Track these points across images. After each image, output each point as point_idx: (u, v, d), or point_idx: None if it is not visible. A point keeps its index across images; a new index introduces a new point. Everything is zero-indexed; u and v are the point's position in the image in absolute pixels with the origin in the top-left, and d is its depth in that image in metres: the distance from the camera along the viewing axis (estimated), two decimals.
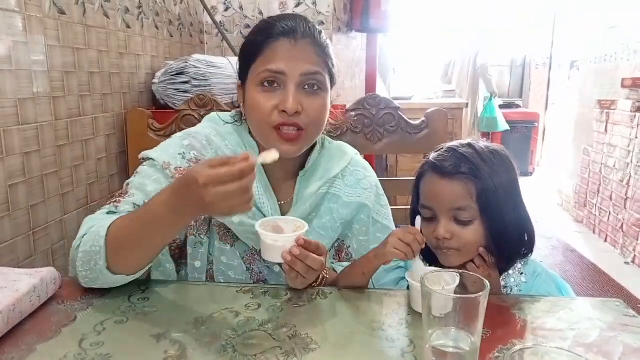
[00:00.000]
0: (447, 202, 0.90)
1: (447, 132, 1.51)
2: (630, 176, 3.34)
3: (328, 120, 1.41)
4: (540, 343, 0.73)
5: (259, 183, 1.00)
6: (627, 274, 3.11)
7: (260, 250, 0.90)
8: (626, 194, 3.39)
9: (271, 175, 1.03)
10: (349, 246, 1.09)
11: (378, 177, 1.16)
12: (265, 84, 0.94)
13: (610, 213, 3.62)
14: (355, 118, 1.48)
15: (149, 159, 0.99)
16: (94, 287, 0.87)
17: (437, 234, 0.90)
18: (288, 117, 0.92)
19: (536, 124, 6.06)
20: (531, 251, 0.94)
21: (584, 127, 4.27)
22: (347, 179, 1.07)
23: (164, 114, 1.62)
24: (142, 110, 1.50)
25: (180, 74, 1.75)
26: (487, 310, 0.64)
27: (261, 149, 1.00)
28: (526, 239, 0.93)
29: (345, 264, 1.08)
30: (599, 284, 2.99)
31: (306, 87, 0.94)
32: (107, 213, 0.93)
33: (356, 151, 1.15)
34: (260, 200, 1.00)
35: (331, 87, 1.00)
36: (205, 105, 1.45)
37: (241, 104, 1.02)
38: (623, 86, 3.46)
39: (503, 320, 0.80)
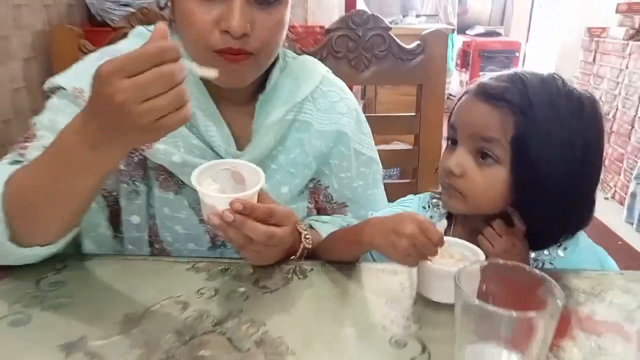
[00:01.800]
0: (471, 126, 0.69)
1: (445, 59, 1.27)
2: (616, 109, 3.20)
3: (300, 47, 1.14)
4: (595, 345, 0.54)
5: (203, 112, 0.77)
6: (606, 210, 3.04)
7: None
8: (611, 128, 3.26)
9: (220, 101, 0.80)
10: (328, 186, 0.89)
11: None
12: None
13: None
14: (337, 40, 1.20)
15: (58, 88, 0.75)
16: None
17: (446, 164, 0.70)
18: (233, 41, 0.68)
19: (517, 54, 5.82)
20: (576, 231, 0.72)
21: (568, 56, 4.06)
22: (319, 102, 0.85)
23: (100, 33, 1.31)
24: (70, 28, 1.20)
25: None
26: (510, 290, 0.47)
27: None
28: (575, 214, 0.70)
29: (326, 219, 0.87)
30: None
31: None
32: (10, 164, 0.68)
33: (327, 68, 0.92)
34: (208, 134, 0.77)
35: None
36: (150, 21, 1.15)
37: (168, 8, 0.76)
38: (617, 11, 3.23)
39: (522, 277, 0.60)
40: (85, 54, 1.17)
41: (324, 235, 0.82)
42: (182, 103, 0.53)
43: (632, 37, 3.11)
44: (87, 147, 0.55)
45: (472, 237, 0.72)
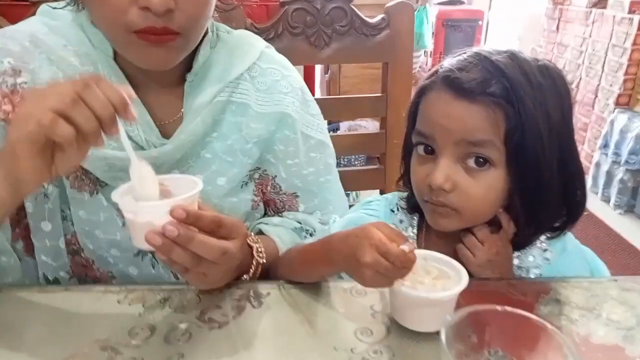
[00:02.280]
0: (456, 131, 0.57)
1: (412, 33, 1.16)
2: (580, 78, 3.18)
3: (253, 23, 1.01)
4: None
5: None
6: None
7: None
8: (575, 97, 3.23)
9: (143, 84, 0.68)
10: (275, 175, 0.78)
11: (320, 94, 0.81)
12: None
13: None
14: (294, 14, 1.08)
15: None
16: None
17: (432, 180, 0.58)
18: (154, 19, 0.57)
19: (480, 22, 5.77)
20: (572, 224, 0.63)
21: (532, 25, 4.02)
22: (258, 80, 0.75)
23: (18, 8, 1.15)
24: None
25: None
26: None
27: (117, 55, 0.66)
28: (569, 203, 0.62)
29: (277, 221, 0.77)
30: None
31: None
32: None
33: (267, 44, 0.80)
34: (126, 122, 0.63)
35: None
36: None
37: None
38: None
39: (526, 328, 0.52)
40: None
41: (276, 239, 0.72)
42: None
43: (595, 5, 3.08)
44: None
45: (448, 244, 0.64)
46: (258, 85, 0.75)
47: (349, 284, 0.62)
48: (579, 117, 3.19)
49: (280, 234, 0.74)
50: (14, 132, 0.48)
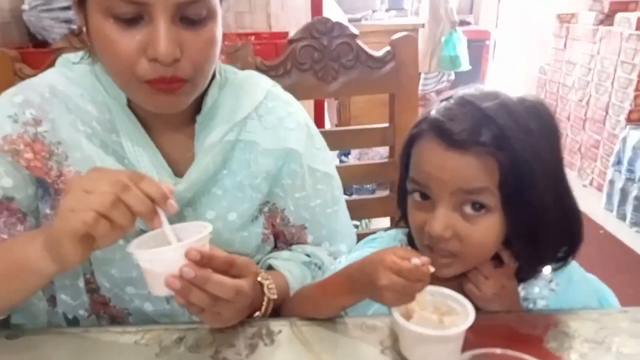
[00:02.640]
0: (451, 182, 0.58)
1: (417, 64, 1.18)
2: (590, 95, 3.18)
3: (262, 61, 1.05)
4: None
5: (133, 141, 0.70)
6: (585, 197, 3.03)
7: None
8: (585, 115, 3.25)
9: (155, 126, 0.72)
10: (284, 209, 0.80)
11: (331, 125, 0.83)
12: (119, 15, 0.59)
13: (567, 134, 3.49)
14: (301, 51, 1.11)
15: None
16: None
17: (432, 230, 0.59)
18: (163, 69, 0.60)
19: (487, 42, 5.80)
20: (573, 253, 0.64)
21: (539, 43, 4.04)
22: (265, 119, 0.78)
23: (41, 55, 1.20)
24: (2, 51, 1.07)
25: None
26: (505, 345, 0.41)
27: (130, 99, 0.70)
28: (567, 236, 0.63)
29: (286, 255, 0.79)
30: None
31: (184, 17, 0.61)
32: None
33: (274, 82, 0.83)
34: (140, 164, 0.69)
35: (221, 1, 0.67)
36: None
37: (84, 31, 0.66)
38: None
39: None
40: (23, 79, 1.06)
41: (286, 274, 0.74)
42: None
43: (602, 22, 3.10)
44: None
45: (454, 280, 0.64)
46: (265, 123, 0.77)
47: (359, 320, 0.63)
48: (590, 134, 3.18)
49: (290, 268, 0.75)
50: (60, 224, 0.53)
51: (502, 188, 0.57)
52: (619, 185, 2.72)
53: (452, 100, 0.61)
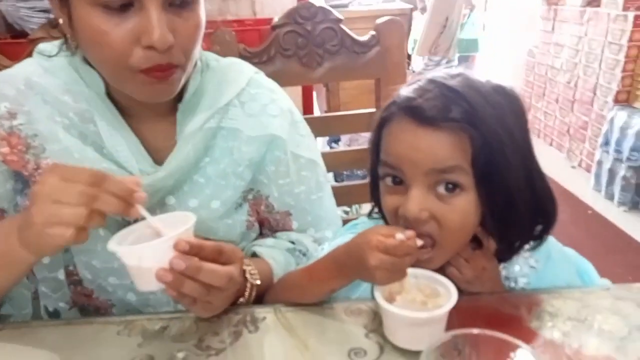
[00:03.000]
0: (424, 162, 0.57)
1: (403, 49, 1.17)
2: (578, 77, 3.19)
3: (245, 48, 1.04)
4: None
5: (111, 130, 0.69)
6: (574, 179, 3.06)
7: None
8: (573, 96, 3.25)
9: (137, 115, 0.72)
10: (268, 196, 0.80)
11: (321, 112, 0.83)
12: (109, 4, 0.58)
13: (556, 116, 3.50)
14: (285, 37, 1.10)
15: None
16: None
17: (407, 211, 0.57)
18: (159, 57, 0.60)
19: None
20: (548, 232, 0.64)
21: (527, 26, 4.03)
22: (248, 105, 0.77)
23: (19, 46, 1.17)
24: None
25: None
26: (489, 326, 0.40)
27: (112, 86, 0.68)
28: (542, 215, 0.63)
29: (270, 242, 0.79)
30: None
31: (175, 2, 0.61)
32: None
33: (256, 69, 0.83)
34: (118, 153, 0.69)
35: None
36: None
37: (62, 23, 0.65)
38: None
39: (505, 351, 0.53)
40: (0, 70, 1.04)
41: (270, 261, 0.74)
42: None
43: (589, 4, 3.09)
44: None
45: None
46: (248, 110, 0.77)
47: (343, 304, 0.63)
48: (578, 116, 3.19)
49: (274, 255, 0.75)
50: (37, 240, 0.53)
51: (475, 165, 0.57)
52: (607, 165, 2.74)
53: (420, 82, 0.61)
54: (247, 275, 0.65)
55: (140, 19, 0.58)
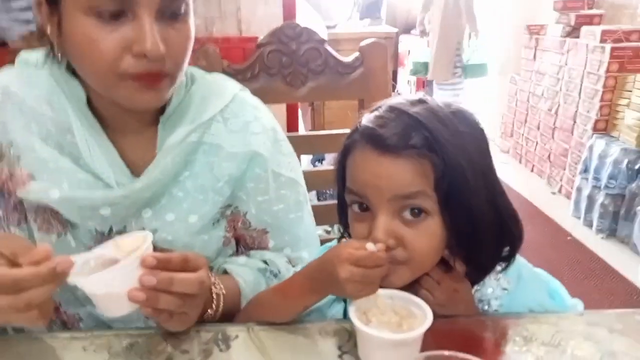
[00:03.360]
0: (388, 189, 0.58)
1: (387, 70, 1.19)
2: (558, 105, 3.26)
3: (229, 64, 1.05)
4: None
5: (89, 142, 0.69)
6: (554, 205, 3.10)
7: None
8: (554, 124, 3.32)
9: (117, 125, 0.71)
10: (246, 212, 0.79)
11: (305, 126, 0.83)
12: (102, 12, 0.59)
13: (537, 143, 3.57)
14: (269, 55, 1.11)
15: None
16: None
17: (374, 239, 0.58)
18: (150, 65, 0.61)
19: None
20: (515, 253, 0.64)
21: (510, 54, 4.13)
22: (231, 122, 0.77)
23: (0, 56, 1.16)
24: None
25: None
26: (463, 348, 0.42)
27: (95, 96, 0.69)
28: (507, 236, 0.63)
29: (242, 261, 0.78)
30: (530, 217, 2.94)
31: (167, 13, 0.62)
32: None
33: (242, 86, 0.83)
34: (95, 164, 0.68)
35: None
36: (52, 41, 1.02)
37: (47, 30, 0.65)
38: (555, 9, 3.29)
39: None
40: None
41: (239, 280, 0.73)
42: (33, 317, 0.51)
43: (569, 34, 3.18)
44: None
45: (408, 288, 0.63)
46: (230, 126, 0.76)
47: (317, 324, 0.62)
48: (559, 143, 3.25)
49: (244, 274, 0.74)
50: None
51: (438, 190, 0.58)
52: (586, 192, 2.79)
53: (381, 110, 0.62)
54: (212, 287, 0.65)
55: (133, 27, 0.59)
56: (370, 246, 0.55)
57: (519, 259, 0.67)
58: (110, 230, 0.69)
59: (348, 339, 0.59)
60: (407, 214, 0.59)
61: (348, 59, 1.14)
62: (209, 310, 0.64)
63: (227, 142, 0.75)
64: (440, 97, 4.51)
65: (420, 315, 0.56)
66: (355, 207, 0.62)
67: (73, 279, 0.50)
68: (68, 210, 0.67)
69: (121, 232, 0.69)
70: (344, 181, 0.64)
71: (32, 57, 0.72)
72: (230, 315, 0.68)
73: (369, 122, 0.61)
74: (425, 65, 4.25)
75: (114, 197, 0.67)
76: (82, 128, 0.68)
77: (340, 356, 0.57)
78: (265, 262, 0.78)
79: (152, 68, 0.61)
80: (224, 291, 0.66)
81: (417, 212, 0.58)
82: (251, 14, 1.98)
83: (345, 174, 0.64)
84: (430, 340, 0.54)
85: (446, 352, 0.41)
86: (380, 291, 0.59)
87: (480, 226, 0.59)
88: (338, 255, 0.55)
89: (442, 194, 0.58)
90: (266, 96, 0.91)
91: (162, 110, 0.72)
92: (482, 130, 0.63)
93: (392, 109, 0.61)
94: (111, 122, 0.70)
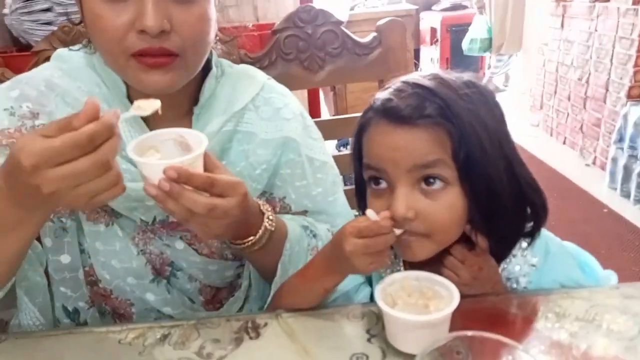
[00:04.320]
0: (406, 160, 0.58)
1: (406, 49, 1.17)
2: (589, 74, 3.14)
3: (246, 52, 1.05)
4: None
5: (129, 126, 0.71)
6: (588, 177, 3.01)
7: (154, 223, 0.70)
8: (585, 93, 3.21)
9: (153, 116, 0.71)
10: (284, 197, 0.81)
11: (328, 112, 0.84)
12: None
13: (568, 114, 3.45)
14: (286, 41, 1.10)
15: None
16: None
17: (394, 212, 0.57)
18: (151, 40, 0.61)
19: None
20: (540, 226, 0.63)
21: (536, 24, 3.99)
22: (262, 109, 0.79)
23: (24, 58, 1.19)
24: None
25: None
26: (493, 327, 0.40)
27: (131, 88, 0.71)
28: (529, 208, 0.62)
29: (288, 217, 0.79)
30: (563, 192, 2.86)
31: None
32: None
33: (268, 76, 0.86)
34: None
35: None
36: (74, 40, 1.03)
37: (84, 21, 0.67)
38: None
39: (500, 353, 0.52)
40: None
41: (288, 226, 0.74)
42: (117, 182, 0.53)
43: None
44: (11, 208, 0.54)
45: (432, 268, 0.62)
46: (262, 114, 0.79)
47: (345, 309, 0.62)
48: (591, 113, 3.14)
49: (290, 224, 0.76)
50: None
51: (456, 159, 0.57)
52: (621, 162, 2.69)
53: (394, 85, 0.62)
54: (265, 219, 0.67)
55: (136, 5, 0.60)
56: (370, 213, 0.56)
57: (546, 234, 0.65)
58: (154, 220, 0.72)
59: (376, 322, 0.59)
60: (425, 185, 0.58)
61: (366, 39, 1.12)
62: (250, 237, 0.66)
63: (260, 129, 0.77)
64: (495, 71, 4.45)
65: (447, 296, 0.55)
66: (373, 184, 0.62)
67: (129, 149, 0.56)
68: (113, 201, 0.69)
69: (164, 221, 0.72)
70: (360, 161, 0.64)
71: (69, 53, 0.75)
72: (272, 253, 0.69)
73: (383, 96, 0.61)
74: (488, 42, 4.19)
75: None
76: (124, 120, 0.69)
77: (368, 340, 0.57)
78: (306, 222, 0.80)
79: (153, 44, 0.61)
80: (273, 229, 0.68)
81: (437, 182, 0.58)
82: (267, 0, 1.97)
83: (362, 153, 0.64)
84: (458, 320, 0.53)
85: (469, 333, 0.40)
86: (406, 273, 0.59)
87: (500, 196, 0.59)
88: (343, 231, 0.56)
89: (460, 162, 0.57)
90: (284, 82, 0.90)
91: (195, 100, 0.74)
92: (494, 98, 0.63)
93: (404, 82, 0.61)
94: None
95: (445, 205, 0.58)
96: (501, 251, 0.64)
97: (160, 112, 0.58)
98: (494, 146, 0.58)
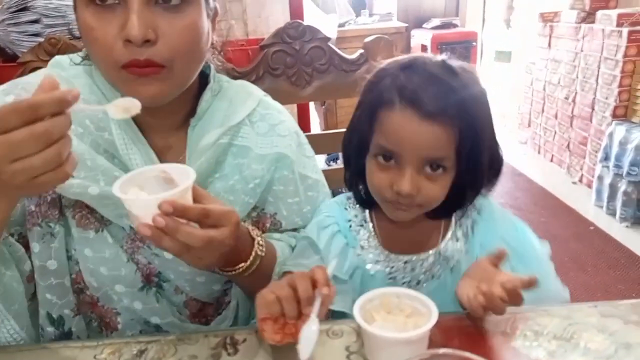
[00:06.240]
0: (424, 151, 0.67)
1: None
2: (576, 92, 3.19)
3: (234, 68, 1.06)
4: None
5: (126, 140, 0.70)
6: (575, 195, 3.04)
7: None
8: (572, 112, 3.25)
9: (150, 128, 0.74)
10: (276, 213, 0.81)
11: (318, 127, 0.86)
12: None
13: (555, 132, 3.50)
14: (274, 56, 1.11)
15: None
16: None
17: (401, 188, 0.67)
18: (137, 51, 0.61)
19: (474, 43, 5.83)
20: (494, 184, 0.76)
21: (525, 42, 4.06)
22: (258, 125, 0.80)
23: (11, 69, 1.18)
24: None
25: (24, 9, 1.30)
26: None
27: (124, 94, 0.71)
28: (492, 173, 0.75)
29: (277, 236, 0.81)
30: (550, 209, 2.89)
31: (160, 1, 0.62)
32: None
33: (264, 92, 0.87)
34: (132, 163, 0.70)
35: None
36: (60, 52, 1.03)
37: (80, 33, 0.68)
38: None
39: None
40: None
41: (277, 248, 0.75)
42: (59, 162, 0.50)
43: (583, 20, 3.11)
44: None
45: (400, 228, 0.75)
46: (258, 129, 0.80)
47: (325, 325, 0.62)
48: (578, 132, 3.18)
49: (279, 245, 0.76)
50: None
51: (459, 152, 0.67)
52: (607, 180, 2.72)
53: (415, 72, 0.68)
54: (255, 245, 0.67)
55: (123, 13, 0.60)
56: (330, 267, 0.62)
57: (486, 197, 0.78)
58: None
59: (355, 340, 0.59)
60: (428, 169, 0.68)
61: (352, 56, 1.13)
62: (241, 264, 0.66)
63: (256, 144, 0.78)
64: None
65: (426, 312, 0.55)
66: (381, 158, 0.69)
67: (115, 188, 0.55)
68: (104, 207, 0.69)
69: None
70: (369, 129, 0.69)
71: (65, 59, 0.75)
72: (262, 277, 0.69)
73: (409, 84, 0.66)
74: (508, 55, 4.46)
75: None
76: (119, 126, 0.70)
77: (347, 357, 0.56)
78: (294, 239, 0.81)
79: (140, 55, 0.61)
80: (263, 254, 0.68)
81: (440, 169, 0.68)
82: (256, 15, 1.99)
83: (374, 126, 0.69)
84: (438, 336, 0.53)
85: (451, 350, 0.40)
86: (386, 289, 0.59)
87: (481, 172, 0.71)
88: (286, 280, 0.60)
89: (461, 154, 0.67)
90: (272, 97, 0.91)
91: (192, 113, 0.74)
92: (483, 88, 0.72)
93: (427, 74, 0.67)
94: (144, 122, 0.72)
95: (441, 186, 0.69)
96: (456, 207, 0.75)
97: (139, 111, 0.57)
98: (489, 138, 0.70)
